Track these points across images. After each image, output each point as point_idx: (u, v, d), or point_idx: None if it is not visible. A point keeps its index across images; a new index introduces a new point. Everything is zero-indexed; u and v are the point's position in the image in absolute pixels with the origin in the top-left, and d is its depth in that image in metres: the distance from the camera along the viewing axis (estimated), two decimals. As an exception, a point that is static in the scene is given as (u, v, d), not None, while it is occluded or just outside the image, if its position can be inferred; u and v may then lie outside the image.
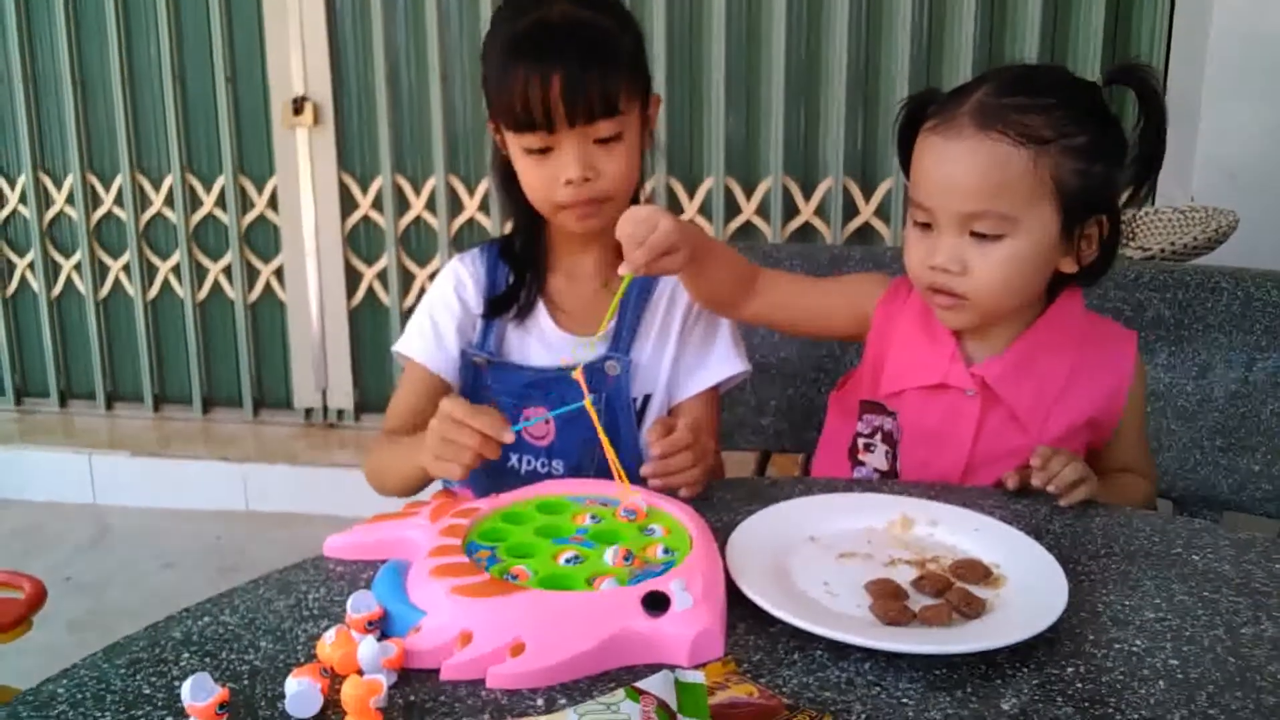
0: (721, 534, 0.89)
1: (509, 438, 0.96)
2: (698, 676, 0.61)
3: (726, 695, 0.62)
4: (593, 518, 0.89)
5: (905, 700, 0.71)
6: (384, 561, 0.86)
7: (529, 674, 0.72)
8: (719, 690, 0.62)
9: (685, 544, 0.84)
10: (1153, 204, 2.11)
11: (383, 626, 0.77)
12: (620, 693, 0.57)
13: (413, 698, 0.71)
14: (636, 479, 0.99)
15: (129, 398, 3.13)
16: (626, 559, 0.81)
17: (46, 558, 2.49)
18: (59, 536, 2.64)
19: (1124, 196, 1.07)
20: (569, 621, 0.74)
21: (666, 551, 0.83)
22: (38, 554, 2.52)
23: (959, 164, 1.04)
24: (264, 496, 2.79)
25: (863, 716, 0.69)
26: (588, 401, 0.97)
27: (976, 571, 0.85)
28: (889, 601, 0.79)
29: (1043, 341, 1.11)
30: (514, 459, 1.24)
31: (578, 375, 0.97)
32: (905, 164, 1.12)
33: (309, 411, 3.04)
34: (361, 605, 0.77)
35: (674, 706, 0.57)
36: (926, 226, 1.08)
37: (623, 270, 1.03)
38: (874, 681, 0.73)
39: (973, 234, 1.05)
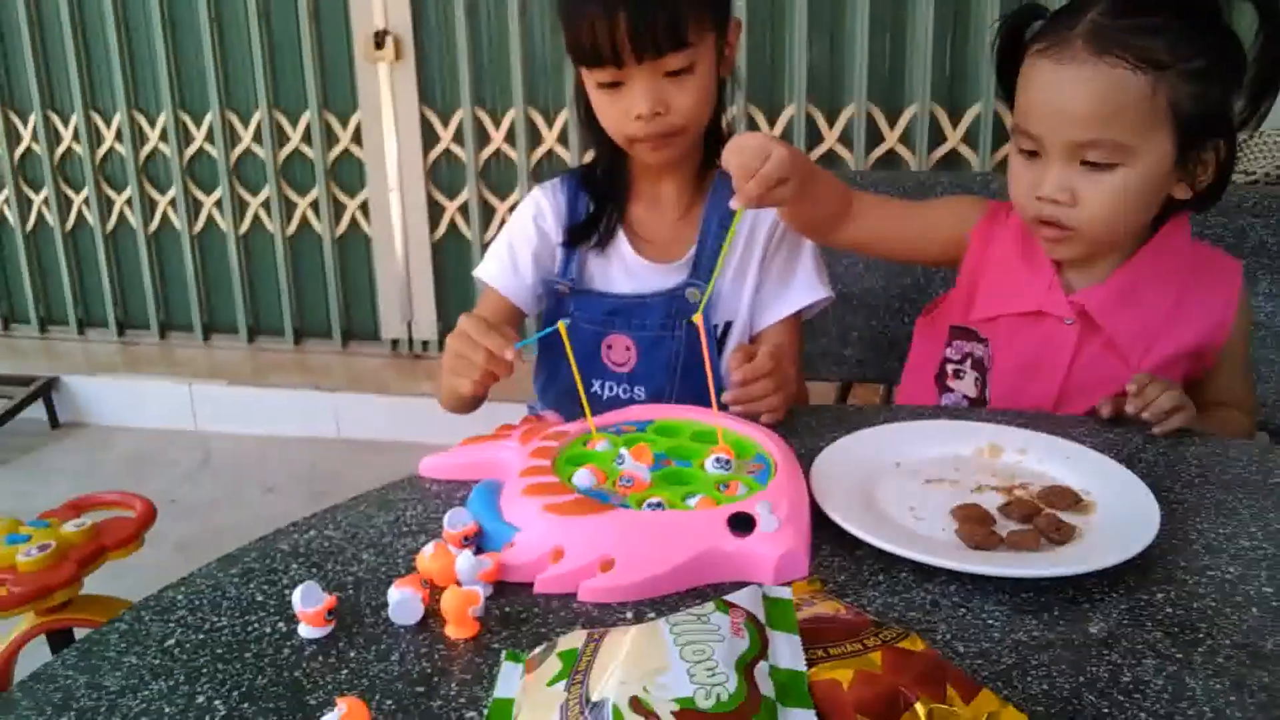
0: (806, 460, 0.90)
1: (510, 356, 0.98)
2: (785, 592, 0.62)
3: (813, 610, 0.63)
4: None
5: (991, 622, 0.72)
6: (477, 481, 0.89)
7: (619, 588, 0.74)
8: (805, 606, 0.63)
9: (771, 468, 0.85)
10: (1259, 127, 2.02)
11: (478, 542, 0.80)
12: (710, 605, 0.59)
13: (508, 609, 0.73)
14: (719, 407, 1.00)
15: (225, 329, 3.24)
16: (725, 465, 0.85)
17: (153, 482, 2.61)
18: (164, 462, 2.76)
19: (1239, 118, 1.03)
20: (657, 540, 0.76)
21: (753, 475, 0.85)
22: (145, 478, 2.65)
23: (1073, 90, 1.00)
24: (355, 424, 2.88)
25: (948, 636, 0.70)
26: (562, 326, 0.97)
27: (1066, 498, 0.84)
28: (975, 526, 0.80)
29: (1147, 270, 1.08)
30: (596, 385, 1.27)
31: (697, 319, 0.95)
32: (1006, 87, 1.09)
33: (395, 343, 3.11)
34: (458, 521, 0.80)
35: (763, 619, 0.59)
36: (1033, 154, 1.05)
37: (735, 204, 0.99)
38: (959, 603, 0.74)
39: (1084, 163, 1.01)
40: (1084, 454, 0.92)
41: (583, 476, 0.83)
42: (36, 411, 2.95)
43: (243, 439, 2.89)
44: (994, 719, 0.56)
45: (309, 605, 0.70)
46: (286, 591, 0.75)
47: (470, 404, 1.18)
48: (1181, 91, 0.98)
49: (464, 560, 0.74)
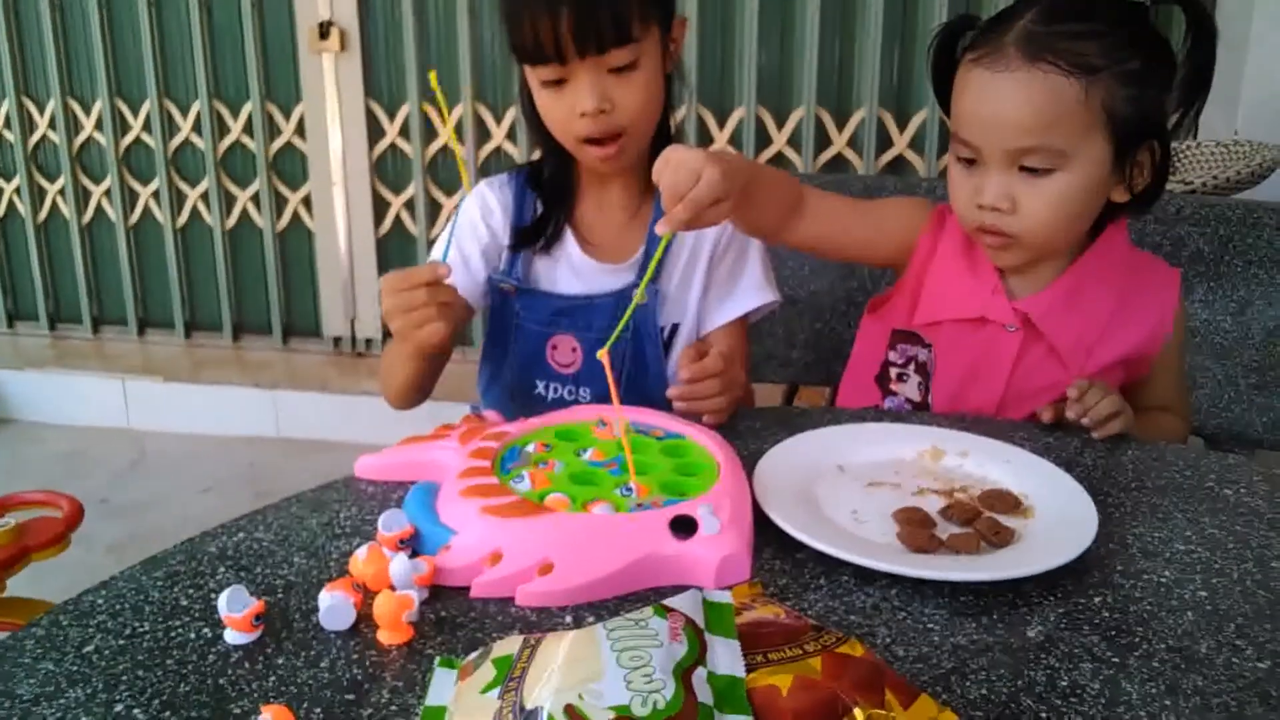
0: (749, 461, 0.89)
1: (444, 271, 0.99)
2: (725, 596, 0.61)
3: (753, 615, 0.62)
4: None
5: (930, 625, 0.71)
6: (414, 483, 0.87)
7: (557, 592, 0.72)
8: (746, 610, 0.62)
9: (712, 471, 0.85)
10: (1195, 137, 2.06)
11: (414, 545, 0.78)
12: (648, 610, 0.58)
13: (444, 613, 0.72)
14: (663, 407, 0.99)
15: (160, 324, 3.16)
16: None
17: (84, 481, 2.54)
18: (96, 460, 2.69)
19: (1171, 122, 1.04)
20: (597, 543, 0.75)
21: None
22: (76, 477, 2.57)
23: (1007, 98, 1.00)
24: (295, 423, 2.82)
25: (888, 640, 0.70)
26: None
27: (1006, 502, 0.85)
28: (916, 529, 0.80)
29: (1088, 276, 1.09)
30: (540, 386, 1.25)
31: (602, 356, 0.89)
32: (941, 96, 1.09)
33: (337, 340, 3.06)
34: (393, 523, 0.78)
35: (701, 624, 0.58)
36: (971, 162, 1.05)
37: (661, 230, 0.90)
38: (899, 607, 0.73)
39: (1022, 169, 1.02)
40: (1024, 458, 0.92)
41: (521, 480, 0.82)
42: (-37, 407, 2.86)
43: (179, 437, 2.82)
44: (934, 722, 0.55)
45: (235, 610, 0.68)
46: (213, 596, 0.73)
47: (427, 376, 1.16)
48: (1116, 94, 0.99)
49: (399, 564, 0.72)
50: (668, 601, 0.59)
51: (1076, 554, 0.76)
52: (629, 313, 0.97)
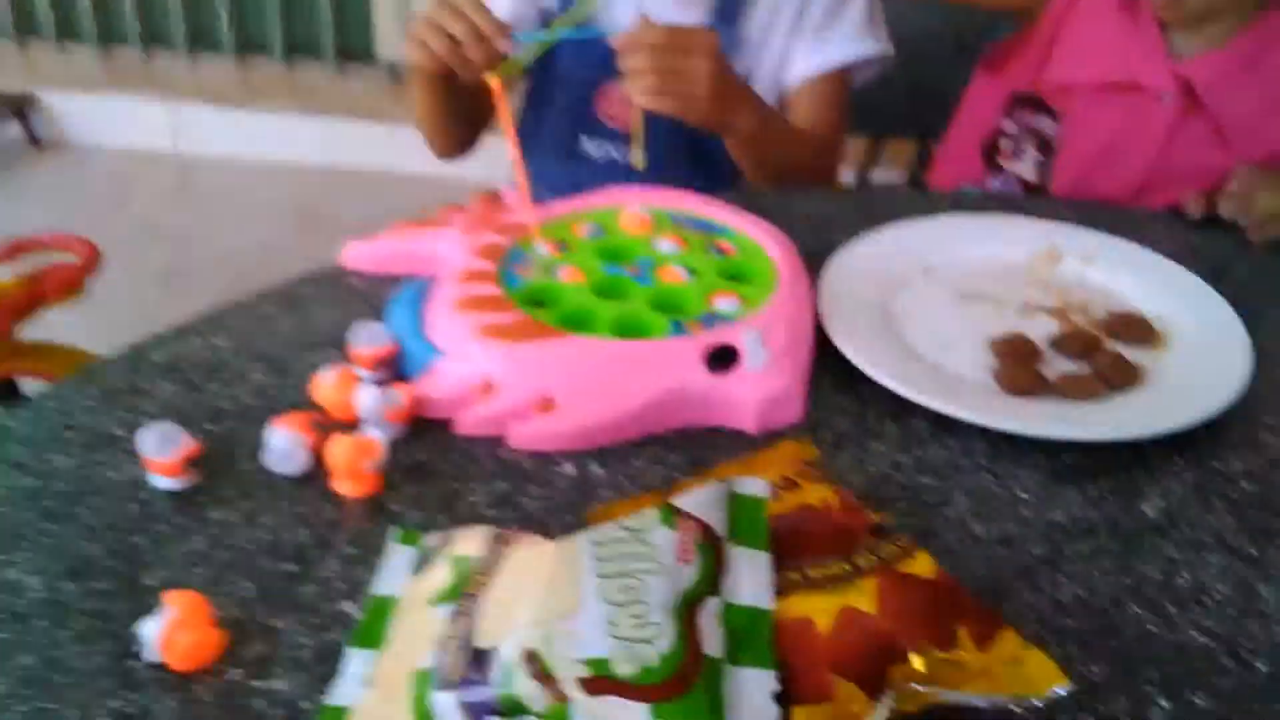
0: (815, 260, 0.72)
1: (503, 45, 0.80)
2: (760, 487, 0.46)
3: (796, 499, 0.47)
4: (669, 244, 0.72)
5: (1021, 494, 0.57)
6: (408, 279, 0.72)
7: (557, 434, 0.59)
8: (788, 491, 0.48)
9: (768, 278, 0.68)
10: None
11: (394, 366, 0.64)
12: (652, 514, 0.43)
13: (419, 455, 0.59)
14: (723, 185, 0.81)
15: (211, 45, 2.96)
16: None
17: (128, 207, 2.45)
18: (141, 185, 2.59)
19: None
20: (610, 375, 0.60)
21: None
22: (120, 203, 2.48)
23: None
24: (346, 152, 2.67)
25: (965, 513, 0.55)
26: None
27: (1135, 328, 0.67)
28: (1018, 365, 0.63)
29: (1272, 39, 0.84)
30: (587, 143, 1.06)
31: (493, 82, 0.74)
32: None
33: (392, 66, 2.84)
34: (368, 337, 0.64)
35: (722, 529, 0.43)
36: None
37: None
38: (985, 466, 0.58)
39: None
40: (1162, 266, 0.74)
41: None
42: (13, 129, 2.75)
43: (226, 163, 2.70)
44: (1015, 667, 0.42)
45: (161, 452, 0.55)
46: (149, 420, 0.60)
47: (444, 113, 1.00)
48: None
49: (367, 395, 0.59)
50: (682, 501, 0.45)
51: (1219, 407, 0.60)
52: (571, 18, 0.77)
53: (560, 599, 0.40)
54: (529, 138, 1.11)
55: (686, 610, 0.40)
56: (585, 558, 0.41)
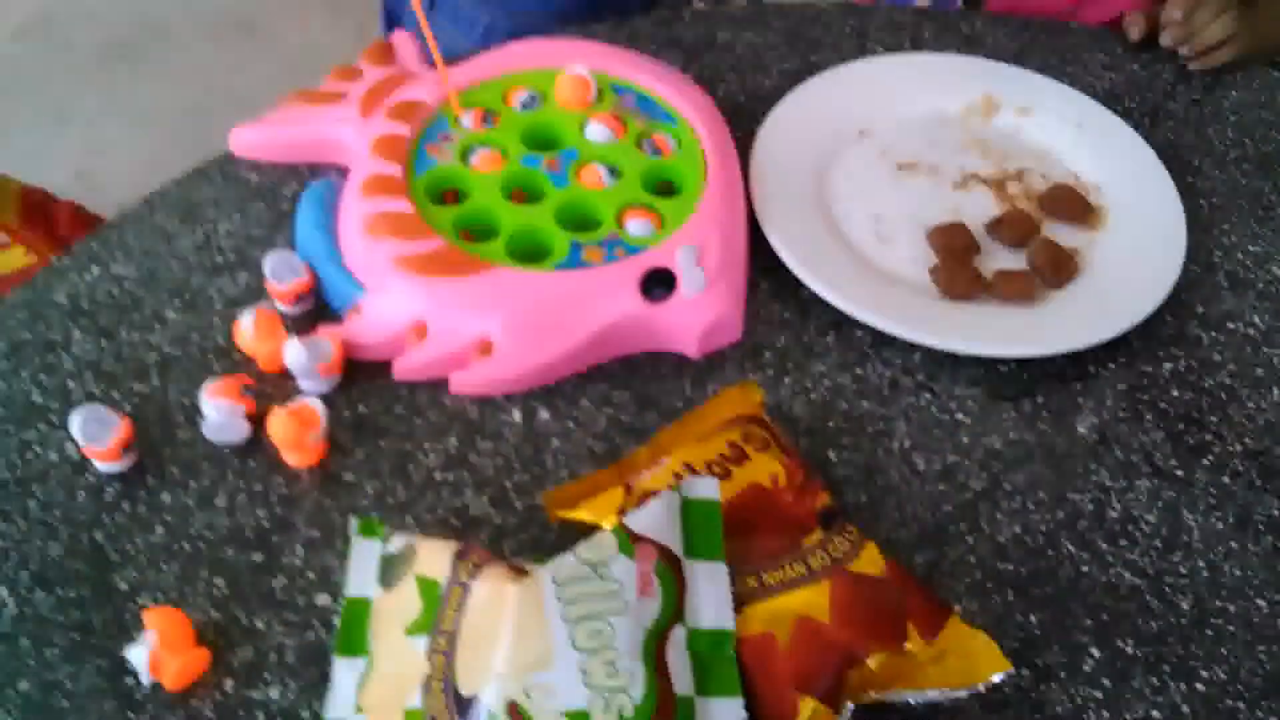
0: (745, 115, 0.68)
1: None
2: (711, 488, 0.47)
3: (745, 477, 0.48)
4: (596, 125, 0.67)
5: (961, 417, 0.58)
6: (308, 176, 0.67)
7: (501, 380, 0.58)
8: (735, 465, 0.49)
9: (696, 174, 0.64)
10: None
11: (315, 295, 0.61)
12: (609, 541, 0.44)
13: (361, 407, 0.58)
14: None
15: None
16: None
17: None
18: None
19: None
20: (547, 312, 0.58)
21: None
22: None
23: None
24: None
25: (906, 444, 0.57)
26: None
27: (1073, 204, 0.66)
28: (956, 265, 0.62)
29: None
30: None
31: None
32: None
33: None
34: (284, 269, 0.60)
35: (679, 547, 0.45)
36: None
37: None
38: (924, 384, 0.59)
39: None
40: (1099, 119, 0.71)
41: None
42: None
43: None
44: (962, 656, 0.46)
45: (97, 440, 0.53)
46: (71, 382, 0.58)
47: None
48: None
49: (294, 353, 0.56)
50: (632, 522, 0.45)
51: (1154, 307, 0.61)
52: None
53: (531, 646, 0.41)
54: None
55: (655, 646, 0.42)
56: (549, 599, 0.42)
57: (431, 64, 0.71)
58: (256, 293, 0.62)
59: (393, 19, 1.08)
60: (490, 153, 0.65)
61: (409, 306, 0.58)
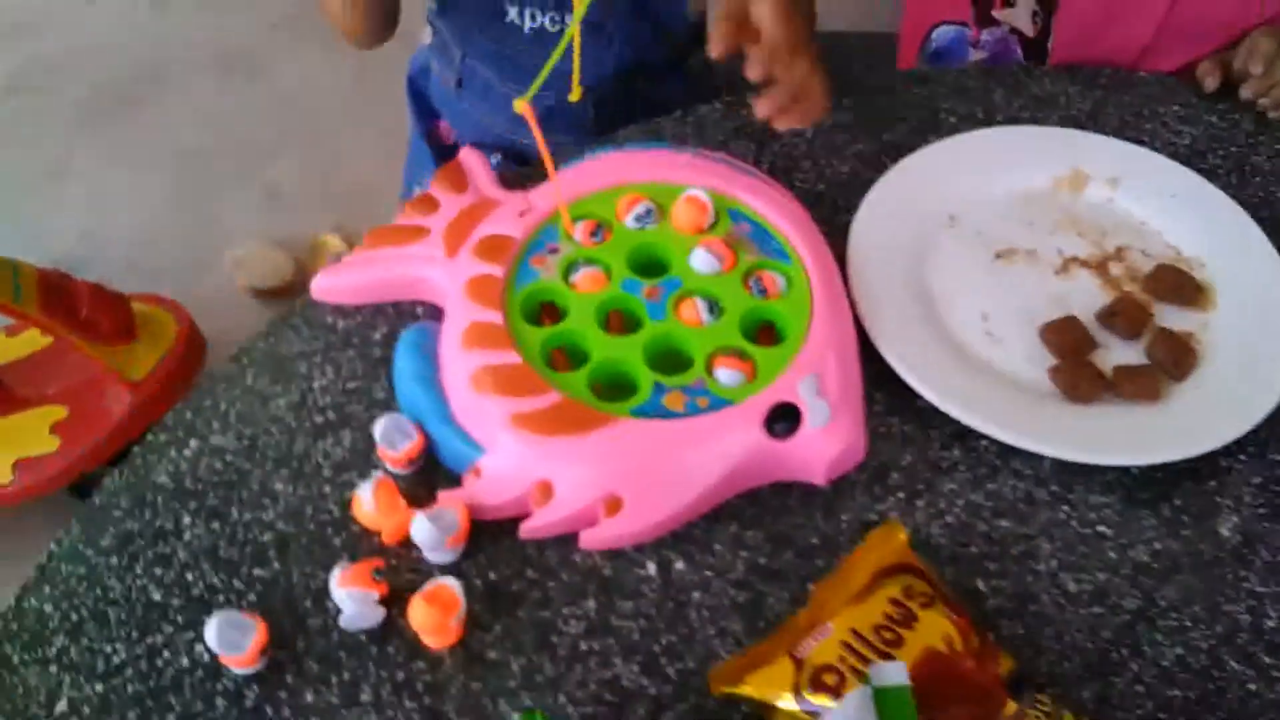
0: (824, 208, 0.67)
1: None
2: (899, 674, 0.46)
3: (919, 642, 0.47)
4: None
5: (1103, 530, 0.57)
6: (397, 316, 0.65)
7: (632, 535, 0.56)
8: (901, 627, 0.48)
9: (802, 292, 0.62)
10: None
11: (427, 454, 0.59)
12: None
13: (491, 574, 0.56)
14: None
15: None
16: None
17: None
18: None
19: None
20: (673, 461, 0.56)
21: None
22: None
23: None
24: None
25: (1055, 567, 0.56)
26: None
27: (1182, 287, 0.65)
28: (1076, 367, 0.61)
29: None
30: (512, 11, 0.93)
31: (522, 108, 0.61)
32: None
33: None
34: (395, 435, 0.59)
35: (873, 740, 0.43)
36: None
37: None
38: (1059, 496, 0.58)
39: None
40: (1189, 185, 0.70)
41: None
42: None
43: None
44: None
45: (236, 649, 0.52)
46: (189, 574, 0.56)
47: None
48: None
49: (423, 530, 0.55)
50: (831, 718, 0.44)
51: (1274, 403, 0.59)
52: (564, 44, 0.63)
53: None
54: (443, 7, 0.97)
55: None
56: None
57: (504, 185, 0.70)
58: (364, 454, 0.60)
59: (421, 99, 1.05)
60: (594, 272, 0.63)
61: (532, 467, 0.57)
